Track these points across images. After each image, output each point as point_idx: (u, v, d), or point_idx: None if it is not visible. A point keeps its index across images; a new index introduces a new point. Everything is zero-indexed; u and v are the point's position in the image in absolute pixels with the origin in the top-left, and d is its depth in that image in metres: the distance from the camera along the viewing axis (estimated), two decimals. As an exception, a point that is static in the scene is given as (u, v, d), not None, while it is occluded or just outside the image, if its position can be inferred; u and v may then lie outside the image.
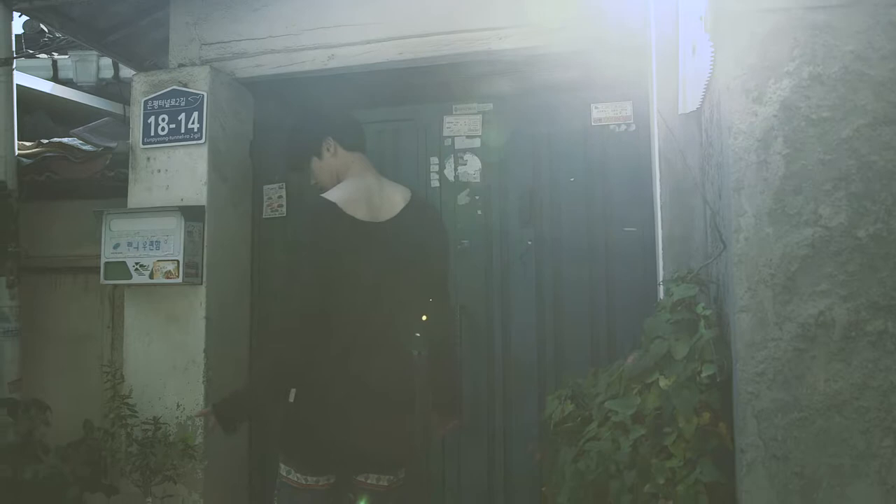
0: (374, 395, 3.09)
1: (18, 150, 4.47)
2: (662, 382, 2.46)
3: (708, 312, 2.55)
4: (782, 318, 2.26)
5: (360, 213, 3.10)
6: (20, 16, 4.68)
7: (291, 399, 2.98)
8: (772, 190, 2.28)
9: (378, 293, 3.14)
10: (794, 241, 2.26)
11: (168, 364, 3.96)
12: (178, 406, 3.91)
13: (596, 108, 3.95)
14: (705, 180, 3.10)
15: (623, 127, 3.92)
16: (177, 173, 4.06)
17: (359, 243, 3.09)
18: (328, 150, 3.28)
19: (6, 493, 3.52)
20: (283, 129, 3.54)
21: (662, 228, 3.28)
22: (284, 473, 3.07)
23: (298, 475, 3.03)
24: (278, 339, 3.04)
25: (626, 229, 3.86)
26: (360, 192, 3.17)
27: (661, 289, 3.22)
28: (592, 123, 3.95)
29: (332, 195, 3.12)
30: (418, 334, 3.28)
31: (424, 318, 3.22)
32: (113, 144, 4.53)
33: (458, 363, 3.46)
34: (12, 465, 3.69)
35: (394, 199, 3.23)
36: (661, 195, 3.34)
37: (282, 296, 3.04)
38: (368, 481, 3.15)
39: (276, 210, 4.30)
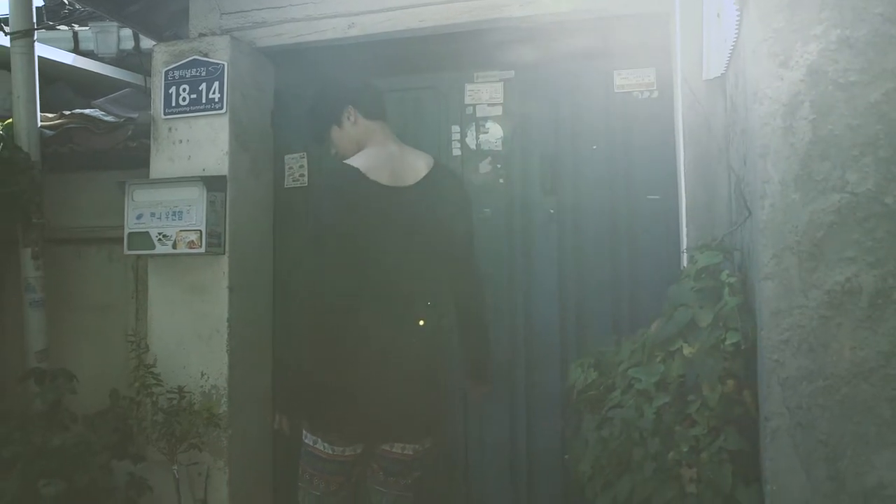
0: (401, 364, 3.11)
1: (41, 121, 4.49)
2: (686, 350, 2.45)
3: (732, 280, 2.54)
4: (808, 285, 2.24)
5: (384, 179, 3.10)
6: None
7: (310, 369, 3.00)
8: (798, 156, 2.25)
9: (404, 260, 3.14)
10: (820, 207, 2.23)
11: (192, 333, 3.99)
12: (202, 375, 3.94)
13: (619, 75, 3.91)
14: (730, 147, 3.07)
15: (646, 94, 3.88)
16: (198, 143, 4.06)
17: (384, 209, 3.09)
18: (349, 118, 3.28)
19: (35, 460, 3.56)
20: (305, 98, 3.53)
21: (686, 196, 3.26)
22: (311, 443, 3.09)
23: (325, 444, 3.06)
24: (305, 313, 3.00)
25: (650, 197, 3.83)
26: (382, 158, 3.16)
27: (685, 257, 3.21)
28: (615, 91, 3.91)
29: (355, 161, 3.12)
30: (443, 302, 3.29)
31: (429, 302, 3.20)
32: (134, 115, 4.54)
33: (487, 329, 3.45)
34: (41, 433, 3.73)
35: (417, 165, 3.22)
36: (684, 162, 3.32)
37: (307, 266, 3.01)
38: (394, 450, 3.18)
39: (298, 180, 4.30)
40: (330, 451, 3.07)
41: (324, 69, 4.15)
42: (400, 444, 3.17)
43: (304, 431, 3.13)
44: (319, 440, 3.07)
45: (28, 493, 3.51)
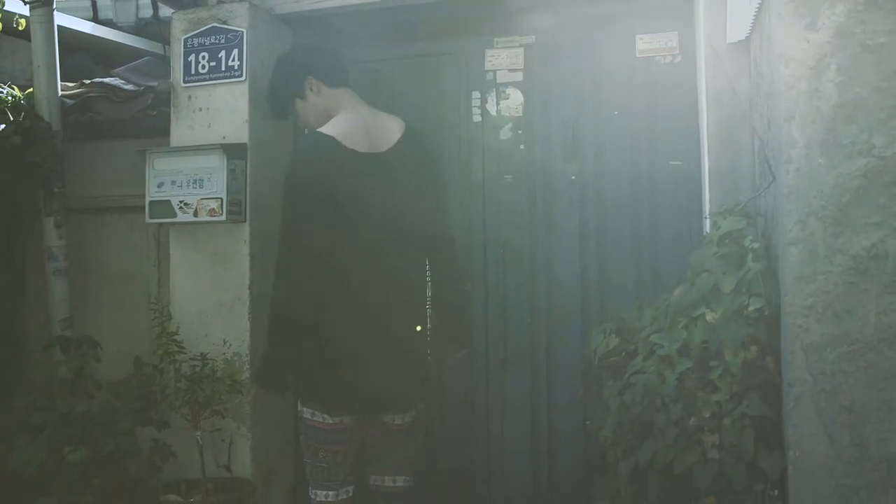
0: (390, 333, 3.13)
1: (61, 90, 4.49)
2: (709, 316, 2.44)
3: (756, 246, 2.52)
4: (833, 250, 2.22)
5: (360, 146, 3.09)
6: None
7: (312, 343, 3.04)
8: (824, 119, 2.23)
9: (386, 226, 3.13)
10: (846, 171, 2.21)
11: (214, 301, 4.01)
12: (224, 342, 3.96)
13: (641, 39, 3.86)
14: (753, 112, 3.04)
15: (669, 58, 3.84)
16: (218, 111, 4.05)
17: (362, 176, 3.08)
18: (311, 89, 3.27)
19: (61, 426, 3.60)
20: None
21: (709, 161, 3.24)
22: (309, 416, 3.13)
23: (325, 415, 3.10)
24: (285, 286, 3.02)
25: (672, 163, 3.80)
26: (356, 124, 3.15)
27: (708, 222, 3.19)
28: (637, 55, 3.87)
29: (329, 129, 3.11)
30: (423, 268, 3.32)
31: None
32: (154, 83, 4.54)
33: (463, 293, 3.46)
34: (66, 400, 3.77)
35: (391, 129, 3.22)
36: (707, 127, 3.29)
37: (285, 239, 3.03)
38: (395, 421, 3.25)
39: (318, 147, 4.29)
40: (331, 421, 3.10)
41: (343, 36, 4.13)
42: (400, 415, 3.26)
43: (300, 406, 3.17)
44: (317, 412, 3.10)
45: (54, 459, 3.55)
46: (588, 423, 3.29)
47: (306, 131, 3.37)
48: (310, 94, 3.27)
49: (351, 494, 3.19)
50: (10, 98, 4.33)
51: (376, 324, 3.09)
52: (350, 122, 3.14)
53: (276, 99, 3.42)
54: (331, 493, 3.13)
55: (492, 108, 4.07)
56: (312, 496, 3.18)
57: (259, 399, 3.15)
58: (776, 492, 2.31)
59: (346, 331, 3.04)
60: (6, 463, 3.61)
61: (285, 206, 3.05)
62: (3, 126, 4.20)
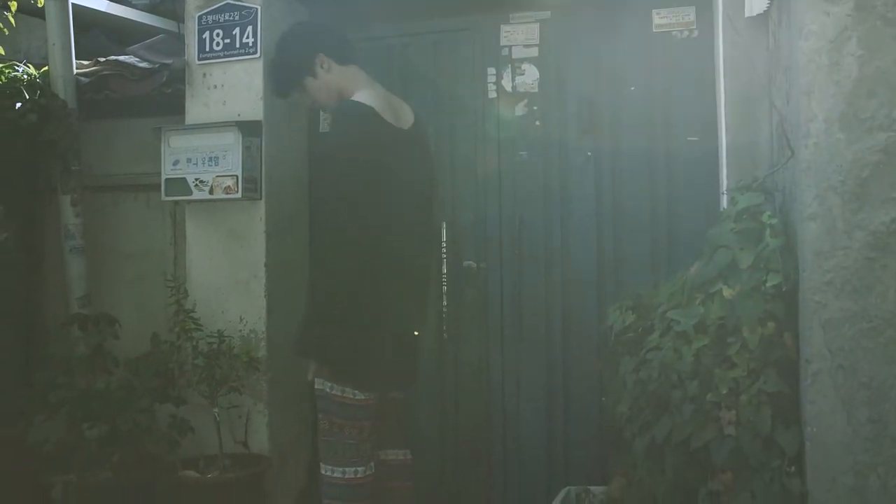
0: (419, 312, 3.15)
1: (76, 68, 4.49)
2: (726, 292, 2.43)
3: (774, 221, 2.50)
4: (852, 226, 2.21)
5: (391, 120, 3.08)
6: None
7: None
8: (844, 93, 2.20)
9: (415, 206, 3.14)
10: (866, 146, 2.19)
11: (230, 279, 4.02)
12: (240, 320, 3.98)
13: (657, 14, 3.83)
14: (772, 86, 3.01)
15: (686, 33, 3.80)
16: (233, 88, 4.05)
17: (397, 151, 3.07)
18: (322, 66, 3.22)
19: (80, 403, 3.63)
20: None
21: (727, 136, 3.21)
22: (338, 393, 3.07)
23: (356, 392, 3.08)
24: (343, 259, 2.91)
25: (689, 139, 3.78)
26: (381, 99, 3.12)
27: (725, 198, 3.17)
28: (654, 30, 3.84)
29: (364, 98, 3.07)
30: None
31: None
32: (169, 61, 4.53)
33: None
34: (84, 377, 3.80)
35: (405, 109, 3.24)
36: (725, 103, 3.26)
37: (341, 211, 2.92)
38: (399, 397, 3.31)
39: (332, 124, 4.29)
40: (361, 398, 3.09)
41: (358, 12, 4.11)
42: (402, 393, 3.31)
43: (324, 383, 3.10)
44: (348, 389, 3.07)
45: (73, 435, 3.58)
46: (604, 399, 3.29)
47: (310, 106, 3.33)
48: (321, 71, 3.23)
49: (374, 471, 3.16)
50: (25, 76, 4.34)
51: (411, 303, 3.14)
52: (377, 97, 3.11)
53: (284, 77, 3.36)
54: (359, 468, 3.07)
55: (507, 84, 4.04)
56: (339, 474, 3.08)
57: (322, 373, 3.06)
58: (793, 468, 2.31)
59: (390, 310, 3.05)
60: (25, 439, 3.65)
61: (339, 176, 2.96)
62: (19, 104, 4.21)
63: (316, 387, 3.14)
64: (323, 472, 3.12)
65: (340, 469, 3.07)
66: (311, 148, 4.32)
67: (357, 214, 2.90)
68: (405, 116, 3.19)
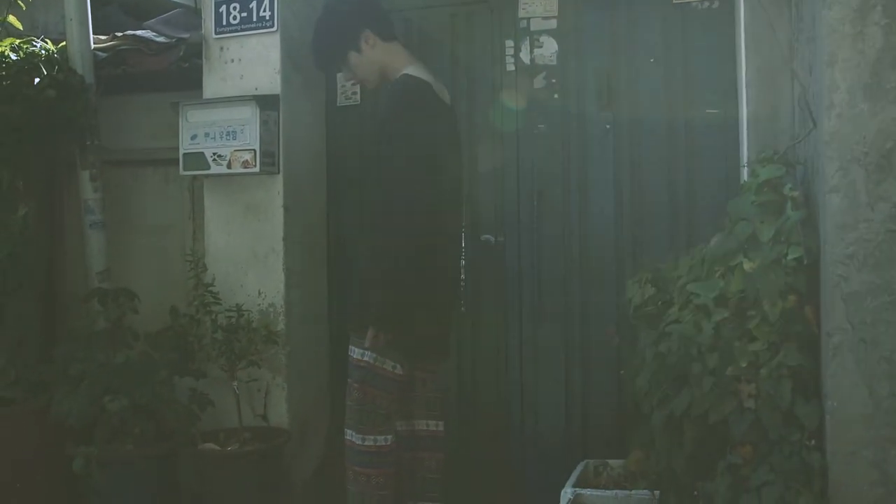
0: (455, 287, 3.18)
1: (93, 44, 4.49)
2: (747, 265, 2.41)
3: (795, 194, 2.48)
4: (875, 198, 2.18)
5: (443, 96, 3.09)
6: None
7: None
8: (868, 63, 2.17)
9: (455, 179, 3.15)
10: (890, 117, 2.16)
11: (248, 253, 4.03)
12: (259, 294, 3.99)
13: (677, -16, 3.79)
14: (794, 57, 2.98)
15: (706, 4, 3.75)
16: (250, 62, 4.04)
17: (447, 126, 3.10)
18: (367, 42, 3.21)
19: (101, 376, 3.66)
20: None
21: (748, 108, 3.19)
22: (380, 364, 3.10)
23: (397, 364, 3.10)
24: (408, 228, 2.95)
25: (708, 111, 3.74)
26: (430, 75, 3.12)
27: (745, 171, 3.15)
28: (673, 1, 3.79)
29: (418, 73, 3.07)
30: None
31: None
32: (186, 35, 4.51)
33: None
34: (104, 351, 3.82)
35: (443, 85, 3.21)
36: (746, 74, 3.23)
37: (403, 182, 2.96)
38: (436, 369, 3.34)
39: (350, 98, 4.27)
40: (400, 371, 3.12)
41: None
42: (433, 365, 3.35)
43: (360, 352, 3.13)
44: (388, 360, 3.09)
45: (95, 408, 3.61)
46: (622, 373, 3.28)
47: (350, 81, 3.36)
48: (365, 47, 3.21)
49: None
50: (43, 52, 4.33)
51: (454, 276, 3.24)
52: (425, 72, 3.13)
53: (327, 52, 3.32)
54: (389, 437, 3.14)
55: (525, 57, 4.01)
56: (371, 442, 3.11)
57: (379, 342, 3.05)
58: (812, 441, 2.30)
59: (438, 281, 3.10)
60: (48, 412, 3.68)
61: (402, 146, 2.98)
62: (37, 80, 4.21)
63: (354, 357, 3.15)
64: (350, 438, 3.16)
65: (372, 437, 3.11)
66: (329, 122, 4.32)
67: (418, 184, 2.94)
68: (446, 92, 3.20)
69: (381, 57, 3.22)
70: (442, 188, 3.06)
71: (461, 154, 3.33)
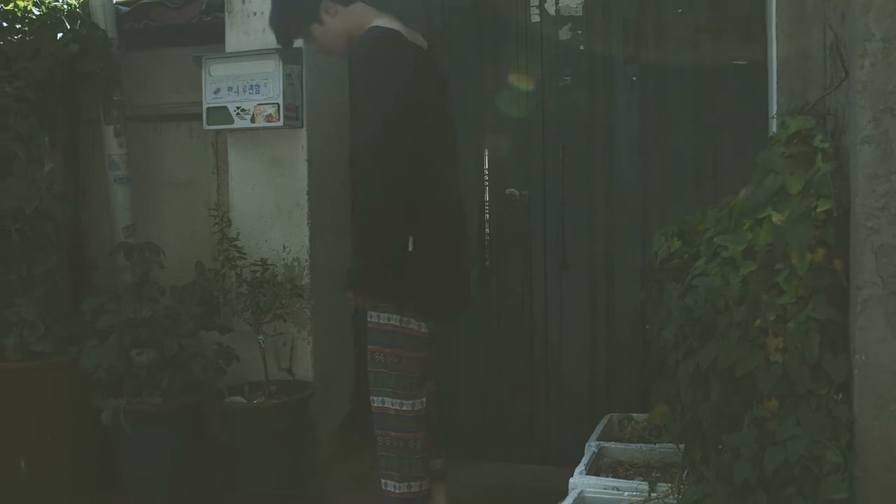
0: (461, 241, 3.13)
1: (116, -3, 4.48)
2: (775, 218, 2.38)
3: (826, 146, 2.44)
4: (909, 148, 2.14)
5: (418, 42, 3.01)
6: None
7: (410, 248, 2.91)
8: (904, 9, 2.12)
9: (448, 130, 3.10)
10: (925, 65, 2.11)
11: (273, 207, 4.03)
12: (283, 248, 4.00)
13: (705, -70, 3.72)
14: (826, 5, 2.91)
15: (735, -49, 3.69)
16: (273, 16, 4.01)
17: (426, 71, 2.99)
18: (328, 12, 3.05)
19: (128, 330, 3.69)
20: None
21: (778, 59, 3.12)
22: (403, 325, 2.99)
23: (421, 323, 3.01)
24: (387, 185, 2.83)
25: (736, 62, 3.69)
26: (399, 22, 3.01)
27: (774, 122, 3.09)
28: (702, -51, 3.73)
29: (385, 23, 2.95)
30: None
31: None
32: (207, -12, 4.49)
33: None
34: (131, 305, 3.85)
35: (416, 32, 3.09)
36: (776, 23, 3.16)
37: (382, 137, 2.84)
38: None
39: (373, 51, 4.23)
40: (425, 330, 3.02)
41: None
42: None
43: (383, 314, 3.01)
44: (413, 319, 2.99)
45: (123, 361, 3.65)
46: (647, 327, 3.27)
47: (317, 53, 3.22)
48: (327, 17, 3.06)
49: None
50: (66, 6, 4.33)
51: (456, 230, 3.11)
52: (395, 21, 2.99)
53: (286, 27, 3.17)
54: (418, 400, 3.03)
55: (550, 8, 3.96)
56: (409, 406, 3.01)
57: (360, 306, 3.02)
58: (840, 395, 2.28)
59: (439, 237, 2.99)
60: (77, 366, 3.73)
61: (374, 101, 2.88)
62: (59, 35, 4.20)
63: (379, 321, 3.01)
64: (381, 405, 3.02)
65: (409, 402, 3.01)
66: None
67: (401, 138, 2.82)
68: (421, 38, 3.09)
69: (344, 23, 3.06)
70: (430, 138, 2.94)
71: (447, 99, 3.16)
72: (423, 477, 3.03)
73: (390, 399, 3.00)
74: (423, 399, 3.04)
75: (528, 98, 3.99)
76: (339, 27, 3.07)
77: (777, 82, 3.16)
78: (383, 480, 3.04)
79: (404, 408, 3.00)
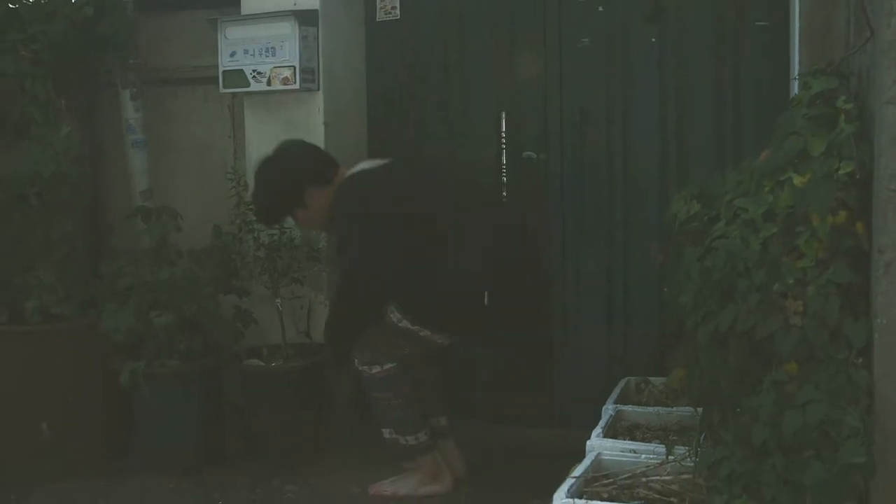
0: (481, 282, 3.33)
1: (129, -41, 4.44)
2: (797, 180, 2.35)
3: (849, 106, 2.40)
4: (934, 109, 2.10)
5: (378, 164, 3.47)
6: None
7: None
8: (933, -34, 2.07)
9: (453, 195, 3.47)
10: (953, 24, 2.07)
11: (289, 171, 4.02)
12: (301, 211, 4.00)
13: None
14: (851, -37, 2.86)
15: None
16: (288, -23, 3.98)
17: (401, 181, 3.42)
18: (312, 197, 3.34)
19: (146, 293, 3.70)
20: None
21: (800, 18, 3.08)
22: (415, 329, 3.29)
23: (428, 332, 3.31)
24: (354, 308, 3.39)
25: (758, 23, 3.64)
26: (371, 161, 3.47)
27: (796, 84, 3.05)
28: None
29: (357, 167, 3.41)
30: None
31: None
32: (223, -50, 4.45)
33: None
34: (149, 268, 3.86)
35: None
36: (799, -18, 3.12)
37: (353, 279, 3.37)
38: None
39: (390, 13, 4.20)
40: (437, 340, 3.35)
41: None
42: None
43: (399, 316, 3.29)
44: (427, 330, 3.29)
45: (142, 323, 3.66)
46: (665, 290, 3.26)
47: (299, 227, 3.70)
48: (311, 201, 3.34)
49: None
50: (79, -32, 4.30)
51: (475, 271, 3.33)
52: (367, 162, 3.48)
53: (273, 215, 3.49)
54: (394, 363, 3.32)
55: (569, -32, 3.91)
56: (378, 368, 3.32)
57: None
58: (860, 360, 2.26)
59: (467, 273, 3.28)
60: (96, 328, 3.75)
61: (349, 246, 3.31)
62: (74, -2, 4.19)
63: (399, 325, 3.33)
64: (359, 367, 3.35)
65: (378, 366, 3.31)
66: (369, 38, 4.26)
67: (373, 268, 3.24)
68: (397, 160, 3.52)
69: (326, 199, 3.33)
70: (427, 216, 3.25)
71: (437, 179, 3.55)
72: (419, 430, 3.36)
73: (360, 362, 3.33)
74: (395, 364, 3.30)
75: (546, 61, 3.95)
76: (323, 204, 3.34)
77: (799, 43, 3.12)
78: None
79: (373, 370, 3.31)
